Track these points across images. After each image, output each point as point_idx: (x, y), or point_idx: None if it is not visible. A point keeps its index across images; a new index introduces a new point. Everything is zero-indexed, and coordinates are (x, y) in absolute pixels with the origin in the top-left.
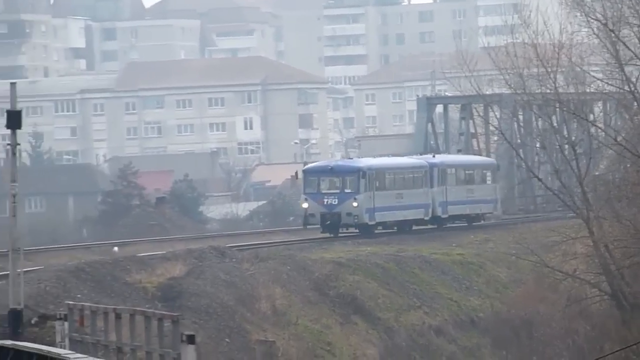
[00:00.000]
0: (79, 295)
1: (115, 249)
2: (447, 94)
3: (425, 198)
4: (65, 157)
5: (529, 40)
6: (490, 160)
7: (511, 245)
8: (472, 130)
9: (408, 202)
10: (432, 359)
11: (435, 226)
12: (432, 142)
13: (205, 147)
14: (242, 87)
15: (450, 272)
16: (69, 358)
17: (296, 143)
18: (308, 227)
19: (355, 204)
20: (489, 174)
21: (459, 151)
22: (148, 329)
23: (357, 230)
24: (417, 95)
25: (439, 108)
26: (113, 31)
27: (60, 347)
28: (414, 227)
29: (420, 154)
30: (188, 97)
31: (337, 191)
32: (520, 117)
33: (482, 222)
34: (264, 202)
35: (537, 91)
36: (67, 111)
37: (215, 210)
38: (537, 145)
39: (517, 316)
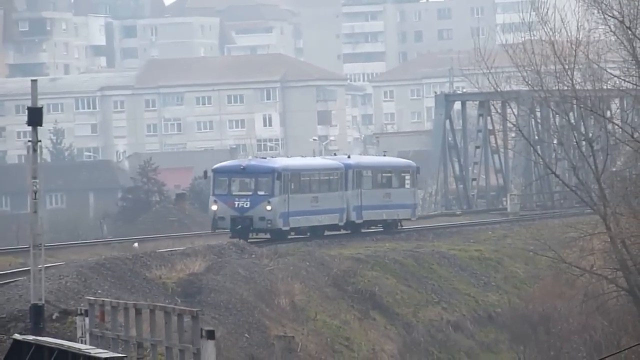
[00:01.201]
0: (99, 291)
1: (136, 245)
2: (465, 90)
3: (340, 202)
4: (85, 153)
5: (546, 38)
6: (409, 162)
7: (529, 242)
8: (489, 127)
9: (323, 206)
10: (450, 354)
11: (349, 232)
12: (450, 139)
13: (224, 143)
14: (261, 84)
15: (468, 268)
16: (90, 353)
17: (315, 140)
18: (217, 231)
19: (268, 208)
20: (407, 177)
21: (384, 153)
22: (168, 325)
23: (268, 236)
24: (435, 92)
25: (457, 105)
26: (133, 29)
27: (81, 342)
28: (326, 233)
29: (335, 154)
30: (207, 94)
31: (250, 193)
32: (538, 113)
33: (400, 227)
34: None
35: (554, 88)
36: (88, 108)
37: None
38: (555, 141)
39: (535, 312)
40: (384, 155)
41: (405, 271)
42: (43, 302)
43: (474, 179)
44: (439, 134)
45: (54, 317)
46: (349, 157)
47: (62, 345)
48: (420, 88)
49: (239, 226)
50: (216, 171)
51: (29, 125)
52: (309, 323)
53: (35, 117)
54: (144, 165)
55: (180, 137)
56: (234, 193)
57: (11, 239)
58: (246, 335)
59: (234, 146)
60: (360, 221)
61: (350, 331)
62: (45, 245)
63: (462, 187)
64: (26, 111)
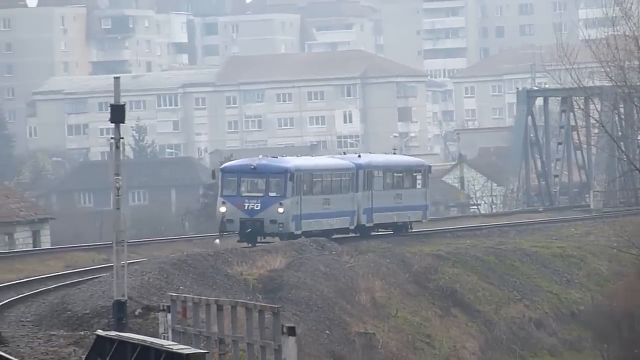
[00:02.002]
0: (181, 287)
1: (217, 241)
2: (547, 86)
3: (351, 204)
4: (167, 150)
5: (630, 33)
6: (421, 161)
7: (612, 239)
8: (572, 123)
9: (334, 208)
10: (533, 352)
11: (359, 235)
12: (531, 135)
13: (304, 140)
14: (341, 81)
15: (550, 265)
16: (172, 349)
17: (395, 136)
18: (225, 234)
19: (280, 210)
20: (419, 177)
21: (394, 151)
22: (249, 321)
23: (276, 240)
24: (517, 88)
25: (539, 101)
26: (214, 26)
27: (163, 338)
28: (334, 236)
29: (344, 153)
30: (288, 90)
31: (260, 194)
32: (621, 109)
33: (410, 230)
34: None
35: (638, 83)
36: (170, 105)
37: None
38: (639, 137)
39: (619, 309)
40: (394, 154)
41: (487, 268)
42: (126, 298)
43: (556, 176)
44: (521, 130)
45: (136, 313)
46: (359, 156)
47: (145, 341)
48: (502, 84)
49: (249, 229)
50: (224, 170)
51: (111, 122)
52: (389, 320)
53: (118, 114)
54: (225, 162)
55: (261, 134)
56: (243, 194)
57: (94, 236)
58: (327, 331)
59: (314, 143)
60: (370, 224)
61: (432, 328)
62: (127, 242)
63: (544, 184)
64: (109, 108)
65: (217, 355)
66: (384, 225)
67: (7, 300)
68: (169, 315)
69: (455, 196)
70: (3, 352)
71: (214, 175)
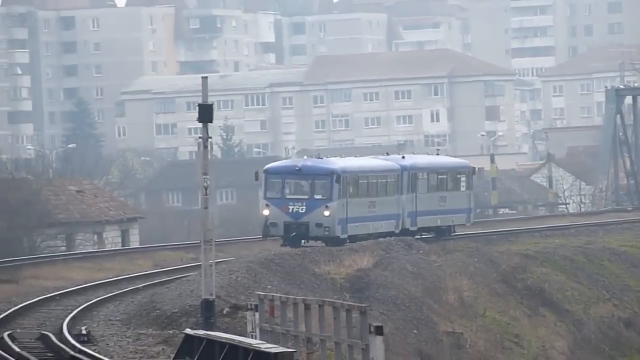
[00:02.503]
0: (269, 286)
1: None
2: (636, 85)
3: (396, 207)
4: (255, 149)
5: None
6: (465, 162)
7: None
8: None
9: (380, 211)
10: (622, 352)
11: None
12: (620, 134)
13: (392, 139)
14: (428, 80)
15: None
16: (260, 348)
17: (483, 135)
18: (269, 238)
19: (326, 213)
20: (463, 179)
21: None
22: (337, 320)
23: (322, 244)
24: (606, 87)
25: (628, 99)
26: (302, 25)
27: (251, 337)
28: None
29: (387, 154)
30: (375, 90)
31: (306, 197)
32: None
33: (453, 234)
34: None
35: None
36: (257, 105)
37: None
38: None
39: None
40: (437, 154)
41: (575, 267)
42: (214, 297)
43: None
44: (610, 129)
45: (224, 312)
46: (403, 157)
47: (233, 340)
48: (590, 83)
49: (294, 233)
50: (268, 172)
51: (199, 121)
52: (477, 319)
53: (205, 113)
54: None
55: (348, 133)
56: (288, 196)
57: (182, 235)
58: (414, 331)
59: (402, 142)
60: (414, 228)
61: (520, 328)
62: (215, 241)
63: (634, 183)
64: (197, 108)
65: (305, 354)
66: (428, 229)
67: (96, 299)
68: (257, 314)
69: (543, 195)
70: (92, 350)
71: (257, 177)
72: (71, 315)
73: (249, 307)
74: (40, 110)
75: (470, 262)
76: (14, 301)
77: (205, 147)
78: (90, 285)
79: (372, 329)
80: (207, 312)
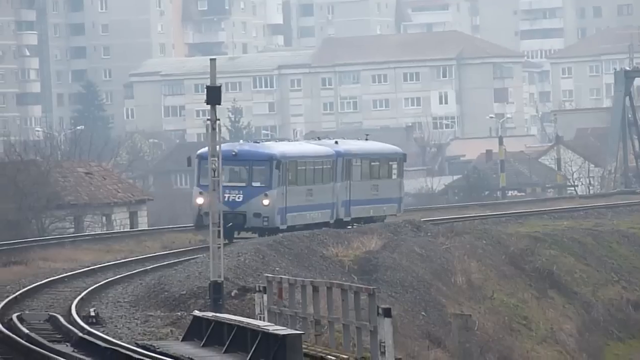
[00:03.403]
0: (277, 268)
1: None
2: None
3: (331, 196)
4: (263, 132)
5: None
6: (396, 148)
7: None
8: None
9: (316, 200)
10: (631, 334)
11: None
12: (629, 116)
13: (400, 121)
14: (437, 62)
15: None
16: (269, 330)
17: (491, 117)
18: (201, 229)
19: (266, 202)
20: (395, 165)
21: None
22: (345, 302)
23: (255, 235)
24: (615, 69)
25: (637, 81)
26: (310, 7)
27: (260, 319)
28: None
29: (318, 138)
30: (383, 72)
31: (243, 184)
32: None
33: (382, 222)
34: (459, 176)
35: None
36: (265, 87)
37: (411, 184)
38: None
39: None
40: (367, 140)
41: (584, 250)
42: (222, 279)
43: None
44: (619, 111)
45: (232, 294)
46: (336, 142)
47: (241, 321)
48: (599, 64)
49: (230, 223)
50: (202, 157)
51: (207, 103)
52: (486, 302)
53: (214, 95)
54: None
55: (356, 115)
56: (223, 184)
57: (191, 217)
58: (423, 313)
59: (410, 124)
60: (348, 219)
61: (528, 310)
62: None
63: None
64: (205, 90)
65: (313, 336)
66: (360, 220)
67: (104, 281)
68: (265, 297)
69: (552, 177)
70: (101, 332)
71: (189, 163)
72: (80, 296)
73: (258, 289)
74: (49, 92)
75: (478, 244)
76: (23, 283)
77: (214, 129)
78: (99, 267)
79: (381, 311)
80: (216, 294)
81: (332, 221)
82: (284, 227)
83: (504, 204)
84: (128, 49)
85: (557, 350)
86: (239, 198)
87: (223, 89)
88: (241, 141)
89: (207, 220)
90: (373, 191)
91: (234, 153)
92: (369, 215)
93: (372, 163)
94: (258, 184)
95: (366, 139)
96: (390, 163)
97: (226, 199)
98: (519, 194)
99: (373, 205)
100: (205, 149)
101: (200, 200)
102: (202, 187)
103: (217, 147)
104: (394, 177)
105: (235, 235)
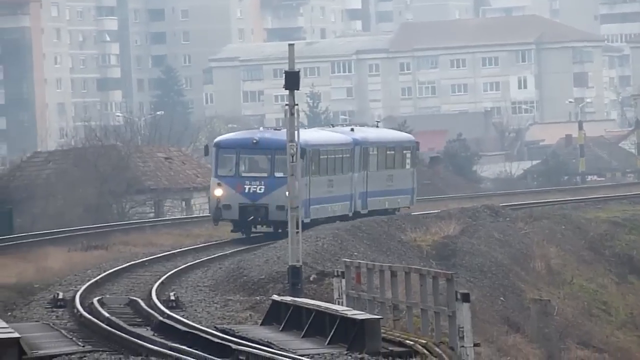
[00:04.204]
0: (355, 253)
1: None
2: None
3: (349, 187)
4: (341, 117)
5: None
6: (409, 136)
7: None
8: None
9: (337, 192)
10: None
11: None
12: None
13: (478, 106)
14: (516, 46)
15: None
16: (347, 314)
17: (570, 102)
18: (220, 222)
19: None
20: (408, 154)
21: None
22: (423, 287)
23: (271, 229)
24: None
25: None
26: None
27: (338, 304)
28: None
29: (332, 125)
30: (462, 56)
31: (265, 175)
32: None
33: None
34: (538, 161)
35: None
36: (343, 72)
37: (489, 169)
38: None
39: None
40: (377, 127)
41: None
42: (300, 263)
43: None
44: None
45: (311, 278)
46: (352, 129)
47: (320, 306)
48: None
49: (251, 217)
50: (220, 146)
51: (286, 89)
52: (565, 287)
53: (292, 80)
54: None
55: (434, 100)
56: (243, 174)
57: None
58: (501, 298)
59: (489, 109)
60: (365, 211)
61: (608, 295)
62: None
63: None
64: (283, 75)
65: (392, 321)
66: (376, 213)
67: (184, 265)
68: (343, 281)
69: (632, 162)
70: (181, 316)
71: (207, 152)
72: (160, 280)
73: (336, 274)
74: (129, 78)
75: (557, 229)
76: (104, 267)
77: (292, 114)
78: (179, 251)
79: (459, 296)
80: (294, 279)
81: (350, 214)
82: (307, 220)
83: (583, 188)
84: (207, 34)
85: (637, 335)
86: (260, 189)
87: (301, 74)
88: (261, 128)
89: (227, 214)
90: (388, 182)
91: (254, 141)
92: (384, 207)
93: (388, 152)
94: (281, 175)
95: (377, 126)
96: (404, 152)
97: (246, 190)
98: (598, 178)
99: (388, 197)
100: (223, 137)
101: (218, 192)
102: (221, 177)
103: (295, 132)
104: (407, 166)
105: (253, 230)
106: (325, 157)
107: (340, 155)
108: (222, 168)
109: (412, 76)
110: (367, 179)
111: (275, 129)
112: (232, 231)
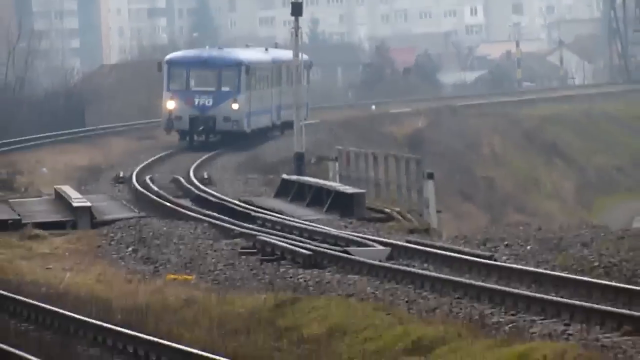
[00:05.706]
0: (345, 142)
1: (373, 107)
2: None
3: (270, 100)
4: (335, 37)
5: None
6: (306, 56)
7: None
8: None
9: (265, 105)
10: (614, 190)
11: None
12: (614, 25)
13: (440, 29)
14: None
15: (630, 125)
16: (339, 189)
17: (510, 26)
18: (172, 131)
19: (235, 106)
20: (305, 73)
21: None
22: (398, 168)
23: (214, 137)
24: None
25: None
26: None
27: (332, 181)
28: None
29: (247, 45)
30: None
31: (212, 89)
32: None
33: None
34: (485, 71)
35: None
36: (336, 2)
37: (449, 77)
38: None
39: None
40: (266, 51)
41: (580, 127)
42: (304, 150)
43: (632, 57)
44: (606, 21)
45: (312, 162)
46: (266, 50)
47: (319, 182)
48: None
49: (201, 127)
50: (171, 62)
51: (292, 15)
52: (505, 167)
53: (297, 9)
54: (379, 46)
55: (406, 25)
56: (193, 89)
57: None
58: (457, 176)
59: (448, 31)
60: (279, 123)
61: (538, 173)
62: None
63: (623, 63)
64: (290, 5)
65: (374, 194)
66: (285, 124)
67: (213, 152)
68: (337, 164)
69: (556, 72)
70: (213, 190)
71: (159, 67)
72: (196, 163)
73: (331, 158)
74: (172, 7)
75: (500, 122)
76: (153, 153)
77: (297, 35)
78: (211, 142)
79: (425, 175)
80: (299, 162)
81: (271, 125)
82: (249, 130)
83: (520, 92)
84: None
85: (559, 203)
86: (208, 102)
87: (304, 5)
88: (207, 47)
89: (179, 124)
90: (290, 96)
91: (203, 58)
92: (290, 119)
93: (290, 70)
94: (227, 89)
95: (266, 50)
96: (303, 69)
97: (196, 103)
98: (531, 84)
99: (290, 110)
100: (174, 54)
101: (170, 105)
102: (173, 92)
103: (300, 54)
104: (304, 83)
105: (198, 139)
106: (260, 73)
107: (266, 73)
108: (173, 83)
109: (389, 5)
110: (281, 94)
111: (220, 48)
112: (180, 140)
